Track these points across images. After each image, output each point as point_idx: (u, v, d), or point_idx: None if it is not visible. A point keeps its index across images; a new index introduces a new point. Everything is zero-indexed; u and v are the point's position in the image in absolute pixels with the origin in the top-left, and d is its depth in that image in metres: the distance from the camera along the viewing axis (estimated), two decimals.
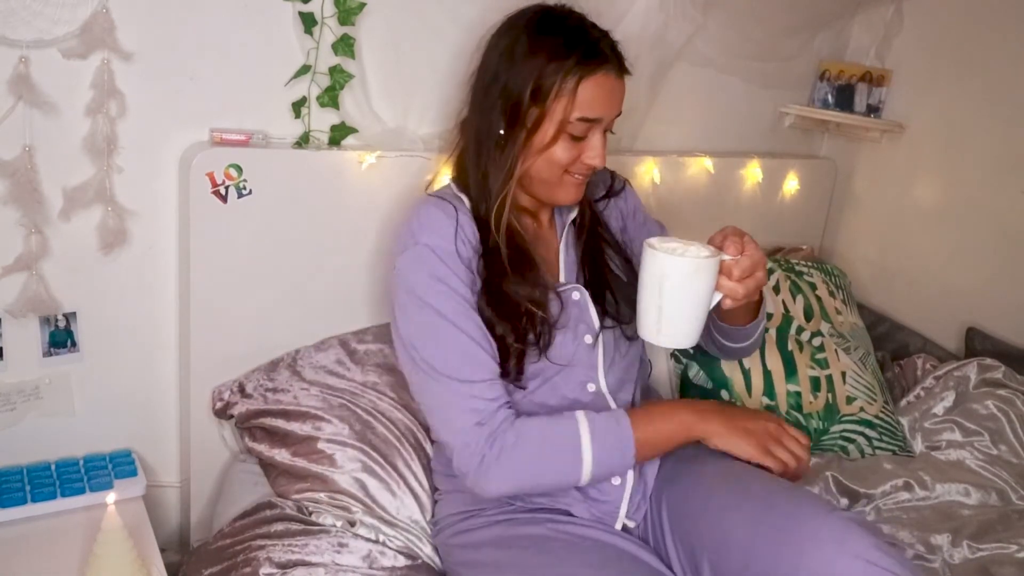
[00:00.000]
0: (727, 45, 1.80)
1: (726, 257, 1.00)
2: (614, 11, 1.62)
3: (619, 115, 1.18)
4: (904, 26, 1.92)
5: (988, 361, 1.67)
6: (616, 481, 1.16)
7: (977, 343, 1.78)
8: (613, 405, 1.19)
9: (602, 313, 1.21)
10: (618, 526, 1.17)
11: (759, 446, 1.11)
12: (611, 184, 1.36)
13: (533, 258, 1.17)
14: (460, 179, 1.24)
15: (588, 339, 1.19)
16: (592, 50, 1.12)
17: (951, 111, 1.85)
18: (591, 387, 1.19)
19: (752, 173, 1.93)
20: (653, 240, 1.00)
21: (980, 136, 1.80)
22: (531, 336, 1.13)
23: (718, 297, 1.01)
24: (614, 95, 1.15)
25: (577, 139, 1.14)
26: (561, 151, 1.14)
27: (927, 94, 1.89)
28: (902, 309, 1.96)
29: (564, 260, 1.24)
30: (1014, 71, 1.72)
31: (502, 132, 1.15)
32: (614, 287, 1.24)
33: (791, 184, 2.00)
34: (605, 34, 1.16)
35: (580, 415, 1.09)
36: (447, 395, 1.08)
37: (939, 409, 1.63)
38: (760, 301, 1.23)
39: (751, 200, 1.94)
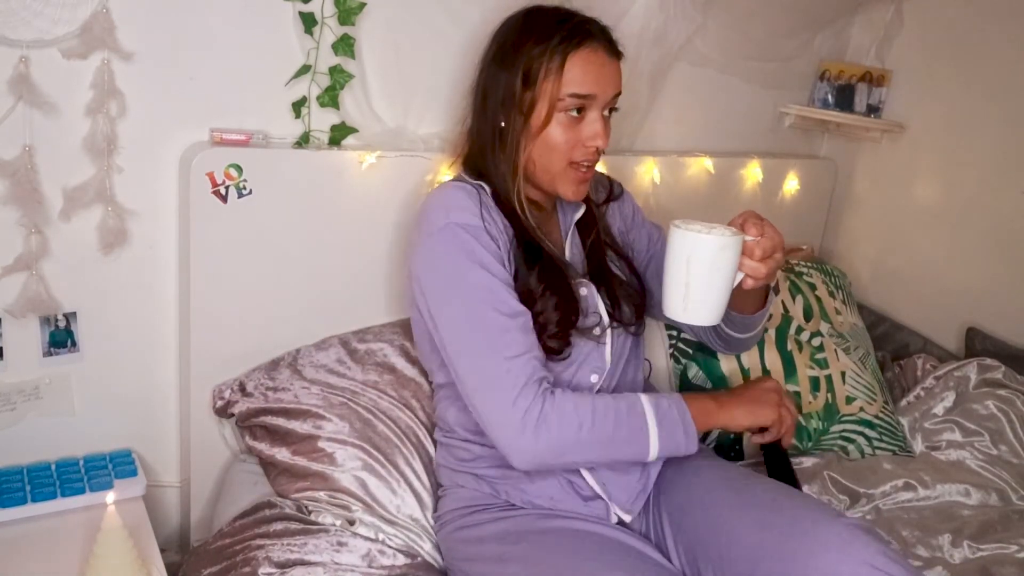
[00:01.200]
0: (727, 45, 1.80)
1: (749, 237, 1.02)
2: (614, 11, 1.62)
3: (618, 95, 1.19)
4: (904, 26, 1.92)
5: (988, 361, 1.67)
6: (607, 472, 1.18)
7: (977, 343, 1.78)
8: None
9: (608, 308, 1.22)
10: (613, 519, 1.17)
11: (773, 406, 1.17)
12: (610, 189, 1.38)
13: (551, 245, 1.20)
14: (471, 172, 1.24)
15: (596, 331, 1.20)
16: (575, 28, 1.14)
17: (951, 111, 1.85)
18: (594, 378, 1.20)
19: (752, 173, 1.93)
20: (678, 220, 1.01)
21: (980, 136, 1.80)
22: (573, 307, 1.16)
23: (739, 277, 1.02)
24: (604, 71, 1.15)
25: (574, 119, 1.15)
26: (558, 132, 1.15)
27: (927, 94, 1.89)
28: (902, 309, 1.96)
29: (569, 256, 1.26)
30: (1014, 71, 1.72)
31: (503, 124, 1.17)
32: (616, 287, 1.25)
33: (791, 184, 2.00)
34: (592, 19, 1.18)
35: (643, 400, 1.10)
36: (486, 372, 1.07)
37: (939, 409, 1.63)
38: (768, 289, 1.24)
39: (751, 200, 1.94)
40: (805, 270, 1.79)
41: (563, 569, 1.04)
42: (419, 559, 1.23)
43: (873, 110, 1.94)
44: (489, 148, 1.20)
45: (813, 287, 1.75)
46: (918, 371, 1.77)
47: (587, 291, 1.21)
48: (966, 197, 1.84)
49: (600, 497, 1.18)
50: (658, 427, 1.08)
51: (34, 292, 1.29)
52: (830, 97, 1.95)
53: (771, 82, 1.93)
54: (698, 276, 0.99)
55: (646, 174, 1.77)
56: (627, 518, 1.19)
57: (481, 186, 1.20)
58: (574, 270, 1.23)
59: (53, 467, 1.34)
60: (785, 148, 2.05)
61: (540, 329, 1.12)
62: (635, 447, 1.09)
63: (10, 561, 1.17)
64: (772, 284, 1.24)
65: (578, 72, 1.13)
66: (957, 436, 1.56)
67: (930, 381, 1.68)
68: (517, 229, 1.18)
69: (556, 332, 1.13)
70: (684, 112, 1.85)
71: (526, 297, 1.12)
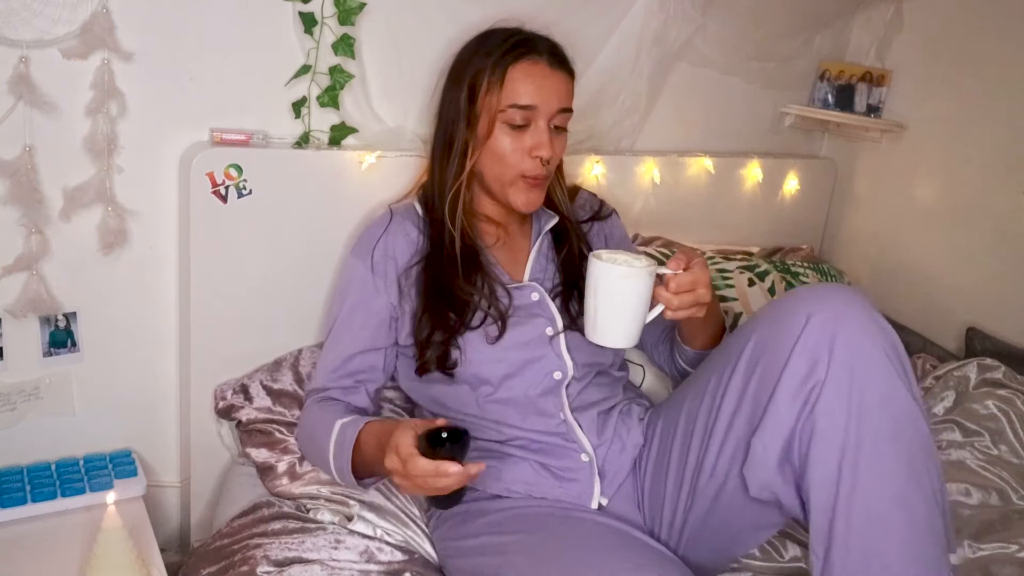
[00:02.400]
0: (727, 45, 1.80)
1: (662, 270, 1.06)
2: (614, 10, 1.63)
3: (566, 111, 1.22)
4: (904, 26, 1.92)
5: (988, 361, 1.66)
6: (585, 458, 1.19)
7: (977, 343, 1.78)
8: (578, 394, 1.23)
9: (566, 313, 1.25)
10: (593, 505, 1.18)
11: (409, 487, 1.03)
12: (599, 210, 1.42)
13: (480, 259, 1.24)
14: (423, 190, 1.32)
15: (549, 331, 1.23)
16: (519, 43, 1.19)
17: (951, 111, 1.85)
18: (557, 375, 1.22)
19: (752, 173, 1.93)
20: (600, 251, 1.08)
21: (980, 136, 1.80)
22: (475, 322, 1.20)
23: (659, 308, 1.07)
24: (546, 82, 1.19)
25: (518, 130, 1.19)
26: (504, 143, 1.20)
27: (927, 94, 1.89)
28: (902, 309, 1.96)
29: (532, 264, 1.29)
30: (1014, 71, 1.72)
31: (452, 138, 1.23)
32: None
33: (791, 184, 2.00)
34: (541, 36, 1.23)
35: (337, 425, 1.15)
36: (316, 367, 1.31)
37: (939, 409, 1.62)
38: (723, 329, 1.28)
39: (751, 200, 1.94)
40: (801, 270, 1.79)
41: (565, 556, 1.04)
42: (416, 555, 1.23)
43: (873, 110, 1.94)
44: (439, 162, 1.26)
45: None
46: (918, 371, 1.76)
47: (538, 296, 1.25)
48: (966, 197, 1.83)
49: (575, 480, 1.18)
50: (334, 457, 1.16)
51: (34, 292, 1.29)
52: (830, 97, 1.95)
53: (771, 82, 1.93)
54: (604, 302, 1.05)
55: (646, 174, 1.77)
56: (604, 501, 1.19)
57: (413, 208, 1.29)
58: (533, 278, 1.28)
59: (53, 467, 1.34)
60: (785, 148, 2.05)
61: (421, 347, 1.21)
62: (326, 468, 1.19)
63: (10, 561, 1.17)
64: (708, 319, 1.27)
65: (518, 84, 1.18)
66: (957, 436, 1.56)
67: (930, 381, 1.68)
68: (435, 246, 1.23)
69: (438, 355, 1.20)
70: (684, 112, 1.85)
71: (417, 313, 1.22)
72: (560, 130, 1.24)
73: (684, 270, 1.06)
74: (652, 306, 1.06)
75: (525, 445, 1.20)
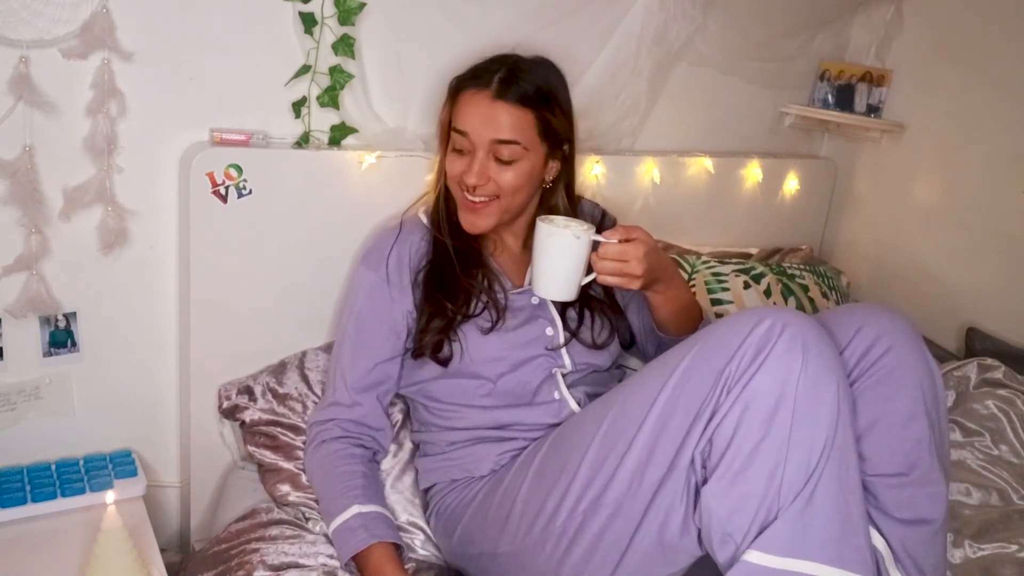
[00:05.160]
0: (727, 45, 1.80)
1: (598, 238, 1.13)
2: (615, 10, 1.63)
3: (506, 143, 1.20)
4: (904, 26, 1.92)
5: (988, 361, 1.66)
6: (556, 395, 1.23)
7: (977, 343, 1.78)
8: (574, 394, 1.25)
9: (564, 316, 1.28)
10: (572, 406, 1.24)
11: None
12: (600, 220, 1.43)
13: (481, 258, 1.29)
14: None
15: (549, 331, 1.26)
16: (475, 70, 1.24)
17: (951, 111, 1.84)
18: (555, 370, 1.25)
19: (752, 173, 1.92)
20: (552, 216, 1.19)
21: (980, 136, 1.80)
22: (475, 308, 1.24)
23: (594, 275, 1.15)
24: (484, 112, 1.20)
25: (460, 154, 1.23)
26: (449, 163, 1.25)
27: (927, 94, 1.89)
28: (902, 309, 1.95)
29: (530, 273, 1.31)
30: (1014, 71, 1.72)
31: (439, 148, 1.28)
32: (591, 305, 1.31)
33: (791, 184, 2.00)
34: (503, 67, 1.22)
35: (355, 507, 1.17)
36: (331, 373, 1.32)
37: None
38: (700, 317, 1.30)
39: (751, 200, 1.94)
40: (798, 272, 1.79)
41: (544, 470, 1.10)
42: (415, 559, 1.23)
43: (873, 110, 1.94)
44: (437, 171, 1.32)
45: (806, 288, 1.75)
46: None
47: (538, 299, 1.28)
48: (966, 197, 1.83)
49: (554, 400, 1.23)
50: (334, 532, 1.17)
51: (34, 292, 1.29)
52: (830, 97, 1.95)
53: (771, 82, 1.93)
54: (536, 255, 1.16)
55: (646, 174, 1.77)
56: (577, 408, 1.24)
57: (418, 219, 1.33)
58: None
59: (53, 467, 1.34)
60: (785, 148, 2.05)
61: (420, 332, 1.25)
62: (324, 520, 1.21)
63: (10, 561, 1.17)
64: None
65: (460, 109, 1.23)
66: (957, 436, 1.56)
67: None
68: (438, 249, 1.28)
69: (435, 341, 1.24)
70: (684, 112, 1.85)
71: (422, 311, 1.26)
72: (507, 162, 1.21)
73: (622, 242, 1.12)
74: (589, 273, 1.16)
75: (520, 429, 1.23)
